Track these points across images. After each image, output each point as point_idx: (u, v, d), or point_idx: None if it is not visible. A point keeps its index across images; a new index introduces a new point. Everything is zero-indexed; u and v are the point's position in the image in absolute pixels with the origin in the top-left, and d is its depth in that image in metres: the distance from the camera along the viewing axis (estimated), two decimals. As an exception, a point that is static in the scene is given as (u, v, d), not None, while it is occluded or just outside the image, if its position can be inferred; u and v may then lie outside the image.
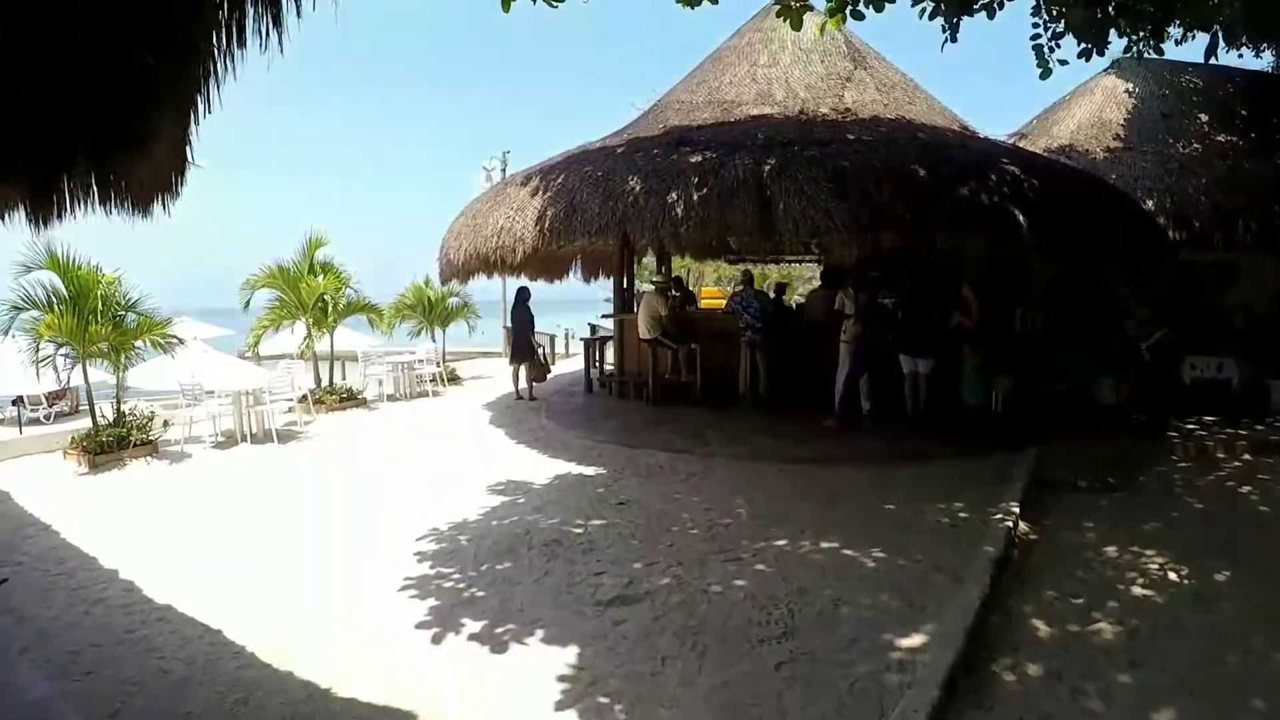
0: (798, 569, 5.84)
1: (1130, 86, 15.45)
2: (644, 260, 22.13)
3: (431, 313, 18.71)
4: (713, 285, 34.30)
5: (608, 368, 14.70)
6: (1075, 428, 9.92)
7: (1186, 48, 17.62)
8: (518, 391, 14.38)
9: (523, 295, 14.61)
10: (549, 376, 15.22)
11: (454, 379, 17.78)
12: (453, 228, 12.53)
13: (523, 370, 14.29)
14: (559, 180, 10.66)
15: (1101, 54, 8.18)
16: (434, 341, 18.53)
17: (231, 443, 11.44)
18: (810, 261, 19.29)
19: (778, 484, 8.09)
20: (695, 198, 9.19)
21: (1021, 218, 8.98)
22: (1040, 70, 7.92)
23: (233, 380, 11.98)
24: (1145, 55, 12.99)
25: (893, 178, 9.09)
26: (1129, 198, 12.01)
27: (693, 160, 9.77)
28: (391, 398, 15.58)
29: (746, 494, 7.68)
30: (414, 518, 7.25)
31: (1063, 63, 8.02)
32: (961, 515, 6.99)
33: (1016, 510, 6.87)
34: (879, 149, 9.76)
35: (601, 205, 9.76)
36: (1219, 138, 14.08)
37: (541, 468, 8.98)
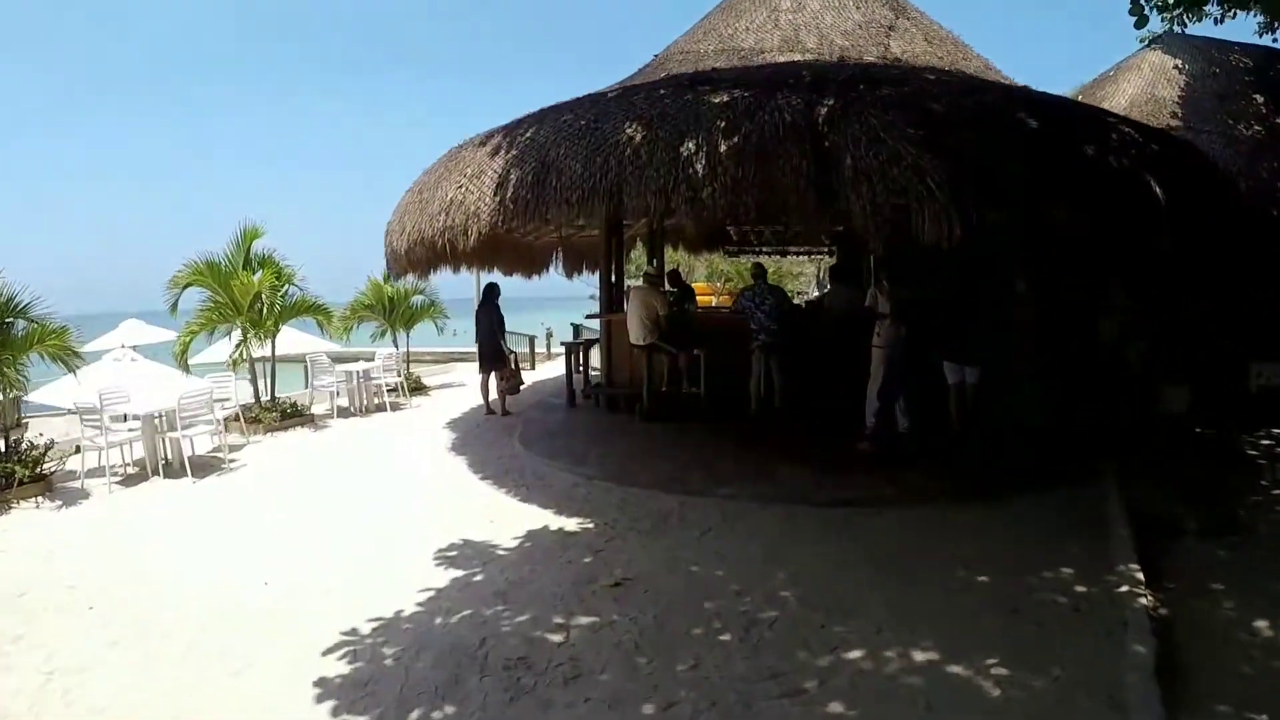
0: (892, 707, 3.80)
1: (1179, 63, 13.83)
2: (632, 253, 20.05)
3: (393, 313, 16.41)
4: (703, 281, 32.21)
5: (593, 374, 12.52)
6: (1136, 445, 8.75)
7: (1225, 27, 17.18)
8: (488, 405, 12.35)
9: (491, 293, 12.52)
10: (523, 386, 12.99)
11: (419, 389, 15.58)
12: (398, 207, 10.04)
13: (493, 380, 12.23)
14: (528, 134, 8.22)
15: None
16: (396, 346, 16.28)
17: (143, 476, 9.25)
18: (820, 254, 16.74)
19: (824, 543, 6.05)
20: (723, 148, 6.74)
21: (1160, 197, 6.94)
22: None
23: (151, 398, 9.77)
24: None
25: (1001, 127, 7.01)
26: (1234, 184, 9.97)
27: (716, 101, 7.30)
28: (345, 412, 13.34)
29: (787, 562, 5.62)
30: (325, 611, 5.10)
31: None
32: (1079, 589, 5.13)
33: (1141, 577, 5.26)
34: (971, 95, 7.60)
35: (586, 163, 7.28)
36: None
37: (510, 519, 6.85)
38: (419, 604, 5.14)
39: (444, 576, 5.61)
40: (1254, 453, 8.80)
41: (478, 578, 5.58)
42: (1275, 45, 14.05)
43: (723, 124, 6.91)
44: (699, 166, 6.70)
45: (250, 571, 5.94)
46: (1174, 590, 5.15)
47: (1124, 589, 5.05)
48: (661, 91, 7.99)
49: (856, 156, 6.40)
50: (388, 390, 14.10)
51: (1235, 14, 11.56)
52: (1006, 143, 6.84)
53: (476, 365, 12.68)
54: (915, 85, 7.49)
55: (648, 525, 6.49)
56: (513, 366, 12.43)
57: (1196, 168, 8.71)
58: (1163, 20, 12.66)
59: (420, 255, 9.37)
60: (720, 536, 6.21)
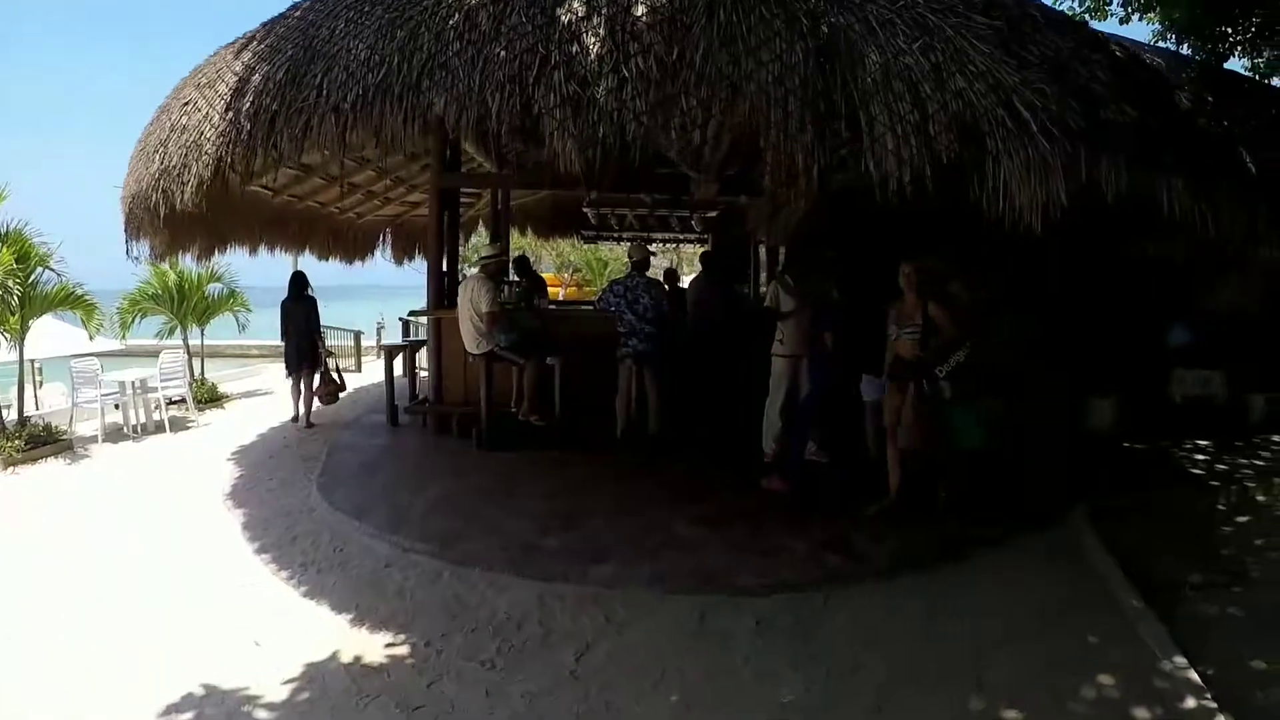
0: None
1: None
2: (473, 238, 17.51)
3: (183, 305, 13.40)
4: (551, 272, 29.74)
5: (422, 375, 10.09)
6: (1073, 468, 7.68)
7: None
8: (295, 415, 10.26)
9: (299, 283, 10.22)
10: (344, 393, 10.51)
11: (215, 399, 12.60)
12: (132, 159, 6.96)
13: (303, 385, 10.11)
14: (296, 14, 5.72)
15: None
16: (188, 345, 13.29)
17: None
18: (691, 242, 14.64)
19: (768, 665, 4.05)
20: (642, 11, 4.51)
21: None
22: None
23: None
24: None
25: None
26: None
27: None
28: (118, 432, 10.32)
29: (725, 710, 3.64)
30: None
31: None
32: (1136, 712, 3.67)
33: (1195, 676, 3.93)
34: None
35: (376, 43, 4.91)
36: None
37: (286, 635, 4.46)
38: None
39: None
40: (1197, 471, 7.99)
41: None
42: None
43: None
44: (590, 41, 4.41)
45: None
46: (1212, 678, 3.91)
47: (1190, 704, 3.70)
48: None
49: (890, 51, 4.12)
50: (171, 404, 11.21)
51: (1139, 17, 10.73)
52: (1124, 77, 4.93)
53: (286, 368, 10.34)
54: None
55: (493, 644, 4.25)
56: (331, 370, 10.29)
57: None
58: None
59: (142, 220, 6.63)
60: (608, 664, 4.06)
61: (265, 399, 12.88)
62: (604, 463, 7.55)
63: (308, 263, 12.37)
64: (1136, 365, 9.42)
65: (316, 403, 10.21)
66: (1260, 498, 7.03)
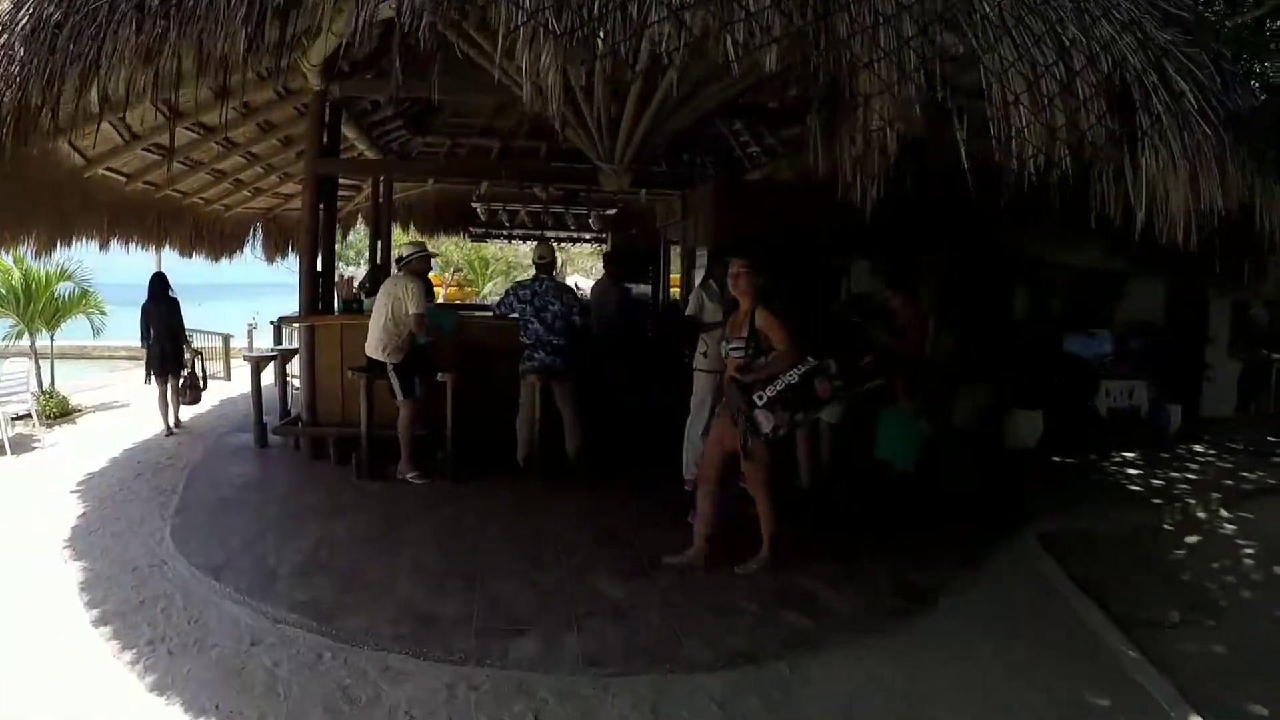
0: None
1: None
2: (350, 237, 16.25)
3: (30, 307, 11.81)
4: (435, 271, 28.17)
5: (294, 386, 8.94)
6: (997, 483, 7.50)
7: None
8: (166, 424, 9.61)
9: (160, 284, 9.59)
10: (212, 405, 9.32)
11: (66, 413, 11.08)
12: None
13: (169, 391, 9.56)
14: None
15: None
16: (34, 351, 11.74)
17: None
18: (588, 241, 13.77)
19: None
20: None
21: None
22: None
23: None
24: None
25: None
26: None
27: None
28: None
29: None
30: None
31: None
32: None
33: None
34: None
35: None
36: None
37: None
38: None
39: None
40: (1135, 487, 7.86)
41: None
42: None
43: None
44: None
45: None
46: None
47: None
48: None
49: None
50: (17, 419, 9.77)
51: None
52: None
53: (145, 375, 9.64)
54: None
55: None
56: (196, 373, 9.82)
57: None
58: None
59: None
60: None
61: (121, 412, 11.40)
62: (505, 496, 6.70)
63: (170, 260, 11.12)
64: (1060, 377, 9.20)
65: (182, 405, 9.79)
66: (1201, 514, 6.89)
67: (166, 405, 9.57)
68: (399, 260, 7.48)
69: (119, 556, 5.69)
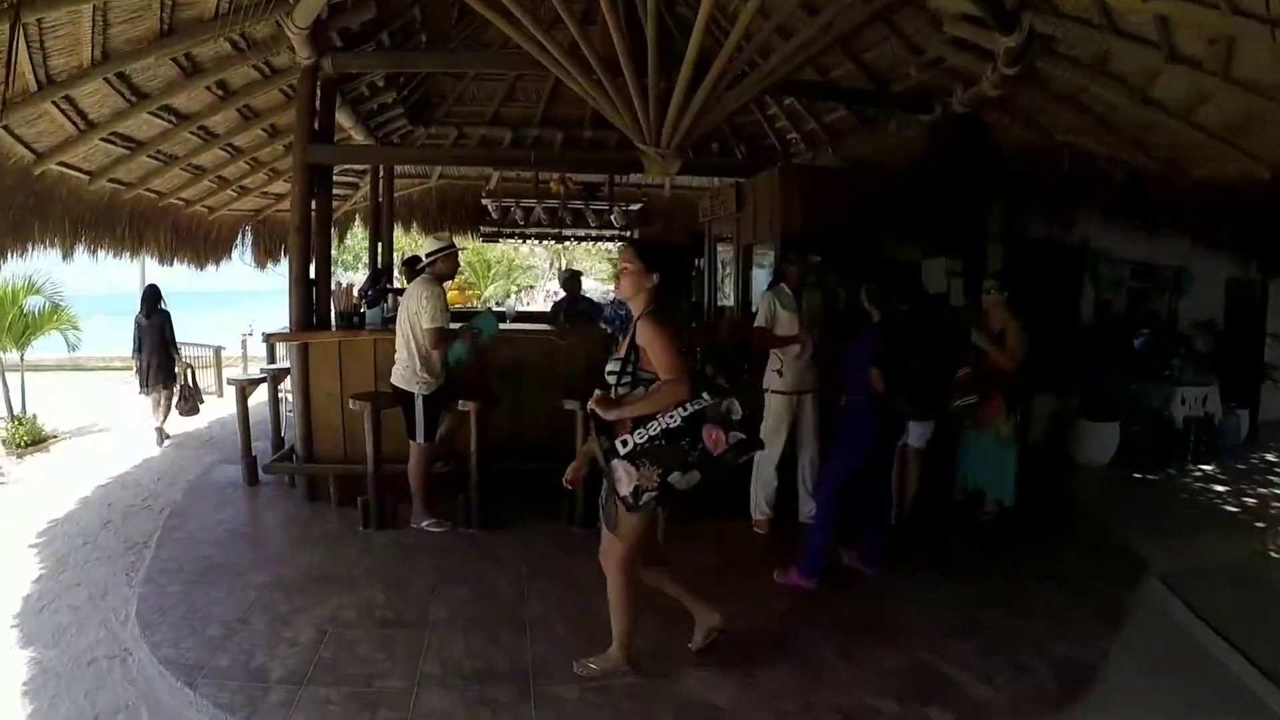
0: None
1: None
2: (346, 240, 14.98)
3: (-4, 324, 10.57)
4: None
5: (289, 409, 7.55)
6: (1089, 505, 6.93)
7: None
8: (159, 436, 9.51)
9: (152, 298, 9.56)
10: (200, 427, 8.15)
11: (38, 441, 9.82)
12: None
13: (162, 400, 9.50)
14: None
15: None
16: (1, 371, 10.53)
17: None
18: (609, 239, 12.40)
19: None
20: None
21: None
22: None
23: None
24: None
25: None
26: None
27: None
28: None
29: None
30: None
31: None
32: None
33: None
34: None
35: None
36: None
37: None
38: None
39: None
40: (1230, 508, 7.09)
41: None
42: None
43: None
44: None
45: None
46: None
47: None
48: None
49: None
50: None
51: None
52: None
53: (139, 386, 9.61)
54: None
55: None
56: (190, 386, 9.75)
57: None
58: None
59: None
60: None
61: (100, 438, 10.19)
62: (546, 552, 5.52)
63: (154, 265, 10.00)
64: (1135, 384, 8.47)
65: (174, 414, 9.63)
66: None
67: (159, 416, 9.47)
68: (421, 261, 6.20)
69: (74, 643, 4.53)
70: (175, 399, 9.52)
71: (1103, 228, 8.41)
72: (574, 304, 8.46)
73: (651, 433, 3.30)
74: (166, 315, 9.52)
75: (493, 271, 27.65)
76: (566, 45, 5.83)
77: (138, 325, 9.45)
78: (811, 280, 6.14)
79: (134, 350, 9.52)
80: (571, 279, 8.63)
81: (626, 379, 3.52)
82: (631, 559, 3.62)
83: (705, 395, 3.34)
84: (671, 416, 3.31)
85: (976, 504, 6.27)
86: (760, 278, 7.31)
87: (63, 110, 5.95)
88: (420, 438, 5.63)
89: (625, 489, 3.32)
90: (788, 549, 5.20)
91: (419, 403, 5.59)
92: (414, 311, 5.54)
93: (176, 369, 9.58)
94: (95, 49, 5.29)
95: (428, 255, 5.84)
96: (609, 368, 3.64)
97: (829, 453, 5.33)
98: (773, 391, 5.83)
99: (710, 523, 5.78)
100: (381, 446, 5.78)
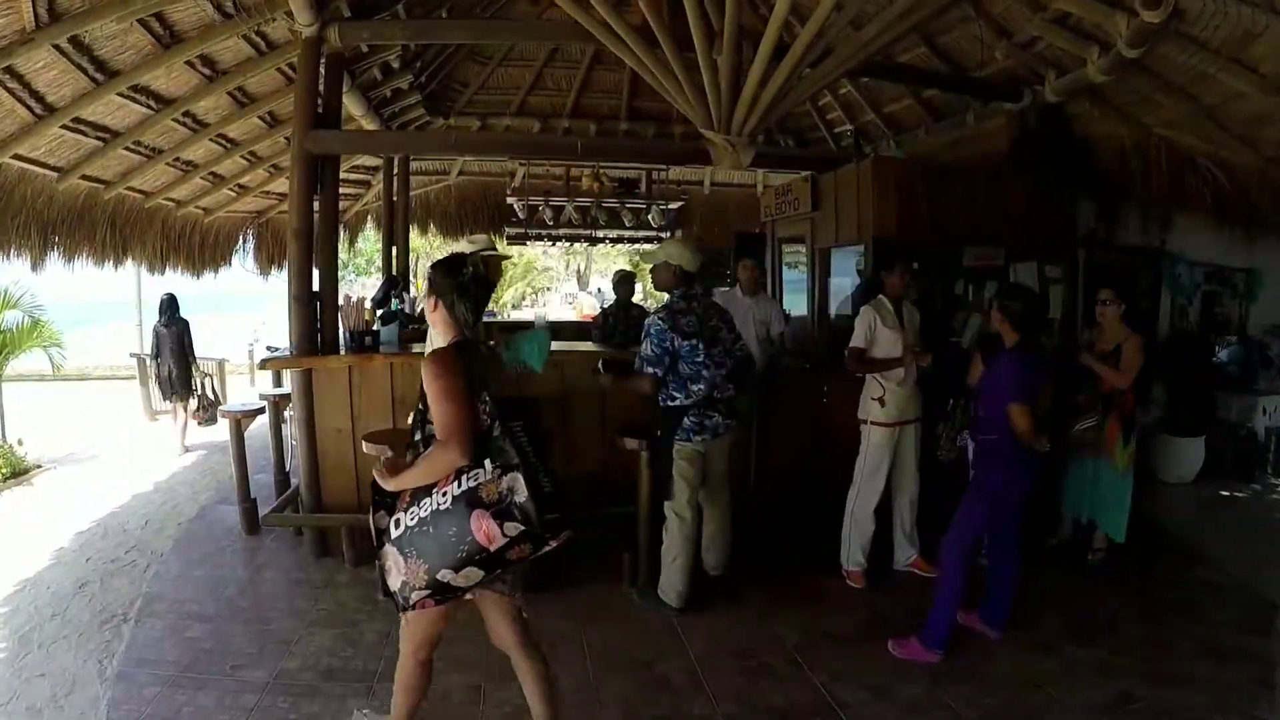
0: None
1: None
2: (361, 240, 13.86)
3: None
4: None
5: (292, 441, 6.34)
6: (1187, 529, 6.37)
7: None
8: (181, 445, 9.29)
9: (171, 306, 9.11)
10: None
11: (20, 473, 8.65)
12: None
13: (184, 413, 9.31)
14: None
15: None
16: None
17: None
18: (643, 240, 11.14)
19: None
20: None
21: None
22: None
23: None
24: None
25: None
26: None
27: None
28: None
29: None
30: None
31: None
32: None
33: None
34: None
35: None
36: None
37: None
38: None
39: None
40: None
41: None
42: None
43: None
44: None
45: None
46: None
47: None
48: None
49: None
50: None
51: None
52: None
53: (162, 398, 9.60)
54: None
55: None
56: (208, 395, 9.45)
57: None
58: None
59: None
60: None
61: (89, 466, 9.07)
62: (601, 626, 4.49)
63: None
64: (1220, 394, 7.96)
65: (193, 424, 9.41)
66: None
67: (182, 428, 9.29)
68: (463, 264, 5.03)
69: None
70: (195, 407, 9.33)
71: (1190, 229, 7.67)
72: (626, 312, 7.33)
73: (422, 514, 2.58)
74: (185, 324, 9.20)
75: (509, 275, 26.33)
76: (631, 22, 5.06)
77: (156, 334, 9.21)
78: (912, 292, 5.26)
79: (151, 357, 9.43)
80: (624, 282, 7.43)
81: (418, 435, 2.79)
82: (422, 648, 2.92)
83: (485, 465, 2.52)
84: (444, 494, 2.56)
85: (1084, 542, 5.52)
86: (842, 286, 6.34)
87: (9, 89, 4.86)
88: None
89: (394, 583, 2.66)
90: (895, 609, 4.63)
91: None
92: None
93: (195, 378, 9.34)
94: (38, 5, 4.18)
95: (472, 257, 4.70)
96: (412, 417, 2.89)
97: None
98: (872, 424, 5.02)
99: (790, 574, 5.10)
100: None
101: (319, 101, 5.52)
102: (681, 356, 4.38)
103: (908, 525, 5.17)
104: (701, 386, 4.43)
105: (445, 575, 2.53)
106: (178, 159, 7.29)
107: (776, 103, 5.29)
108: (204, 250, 9.66)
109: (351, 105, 7.01)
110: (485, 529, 2.47)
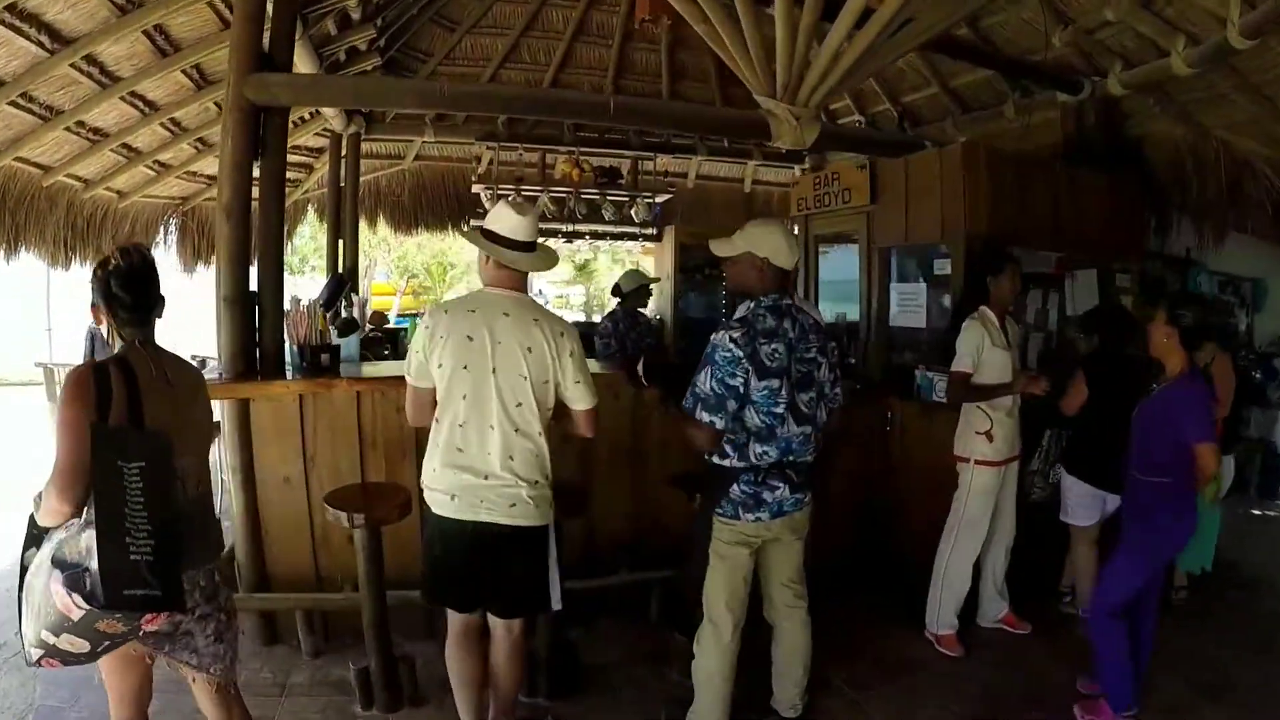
0: None
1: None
2: (298, 231, 12.27)
3: None
4: (385, 280, 23.13)
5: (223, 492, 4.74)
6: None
7: None
8: None
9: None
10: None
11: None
12: None
13: None
14: None
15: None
16: None
17: None
18: (634, 238, 9.72)
19: None
20: None
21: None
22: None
23: None
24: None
25: None
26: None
27: None
28: None
29: None
30: None
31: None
32: None
33: None
34: None
35: None
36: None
37: None
38: None
39: None
40: None
41: None
42: None
43: None
44: None
45: None
46: None
47: None
48: None
49: None
50: None
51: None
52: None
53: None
54: None
55: None
56: None
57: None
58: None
59: None
60: None
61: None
62: None
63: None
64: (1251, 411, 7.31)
65: None
66: None
67: None
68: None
69: None
70: None
71: (1242, 240, 7.06)
72: (634, 323, 6.04)
73: (35, 561, 2.16)
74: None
75: (451, 274, 24.02)
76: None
77: (90, 337, 7.94)
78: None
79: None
80: (639, 290, 6.13)
81: None
82: (119, 706, 2.47)
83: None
84: (50, 543, 2.12)
85: (1168, 582, 4.73)
86: (909, 292, 5.27)
87: None
88: (556, 600, 2.92)
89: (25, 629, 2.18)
90: (1001, 679, 3.88)
91: (552, 539, 2.93)
92: (550, 360, 2.83)
93: None
94: None
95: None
96: None
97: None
98: (978, 463, 4.07)
99: (862, 644, 4.14)
100: (382, 569, 3.34)
101: (264, 39, 4.15)
102: (753, 401, 2.91)
103: (999, 576, 4.35)
104: (771, 452, 2.98)
105: (48, 638, 2.07)
106: (80, 123, 5.81)
107: (851, 73, 4.42)
108: (116, 241, 8.13)
109: (301, 61, 5.62)
110: (60, 595, 2.00)
